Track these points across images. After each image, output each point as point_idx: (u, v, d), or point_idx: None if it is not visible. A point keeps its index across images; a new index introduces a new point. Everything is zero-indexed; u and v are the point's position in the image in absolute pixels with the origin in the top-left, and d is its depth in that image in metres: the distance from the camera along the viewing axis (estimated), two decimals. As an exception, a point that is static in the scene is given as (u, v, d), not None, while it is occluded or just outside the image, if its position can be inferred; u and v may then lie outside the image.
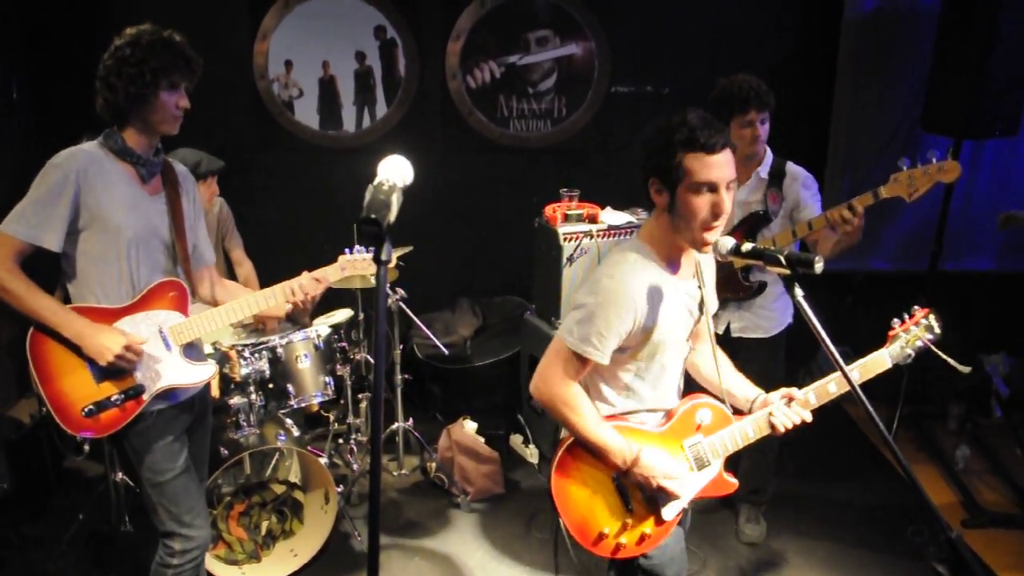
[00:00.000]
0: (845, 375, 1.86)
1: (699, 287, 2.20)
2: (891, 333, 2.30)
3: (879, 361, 2.27)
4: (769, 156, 3.37)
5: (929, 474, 4.23)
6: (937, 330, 2.30)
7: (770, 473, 3.74)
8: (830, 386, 2.24)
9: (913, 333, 2.29)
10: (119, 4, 4.46)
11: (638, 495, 2.17)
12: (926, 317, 2.31)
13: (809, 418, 2.22)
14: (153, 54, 2.29)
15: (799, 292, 1.90)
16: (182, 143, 3.64)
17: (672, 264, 2.13)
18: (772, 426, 2.21)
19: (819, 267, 1.86)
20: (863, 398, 1.84)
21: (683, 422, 2.22)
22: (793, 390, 2.25)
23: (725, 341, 3.51)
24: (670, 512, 2.19)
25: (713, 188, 1.96)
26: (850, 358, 2.08)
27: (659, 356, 2.14)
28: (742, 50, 4.79)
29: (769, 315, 3.45)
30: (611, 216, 4.16)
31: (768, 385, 3.55)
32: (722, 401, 2.28)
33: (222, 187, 3.91)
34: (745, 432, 2.23)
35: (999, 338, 4.98)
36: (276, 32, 4.86)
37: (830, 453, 4.54)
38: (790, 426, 2.21)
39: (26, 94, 4.53)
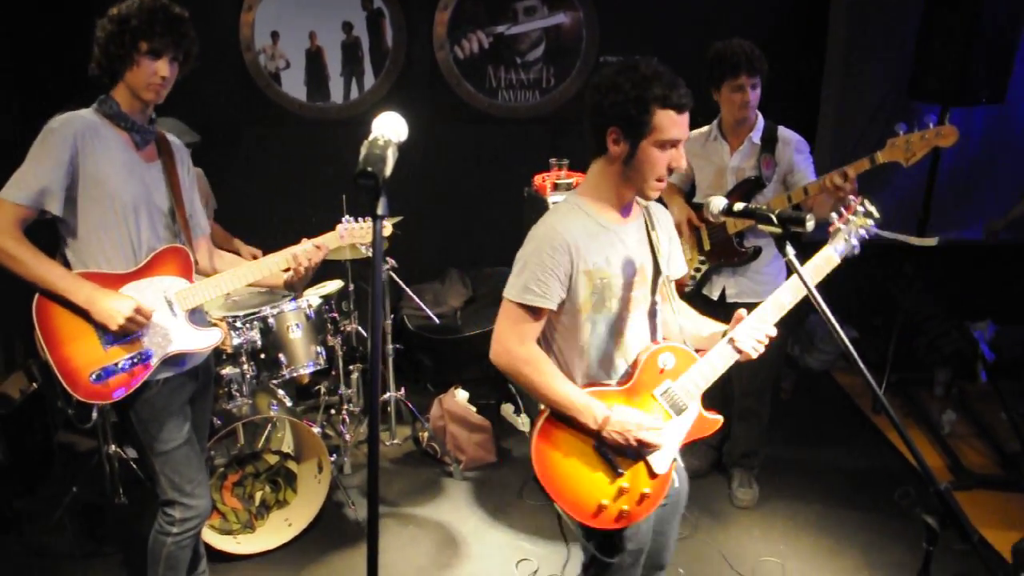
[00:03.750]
0: (837, 333, 1.87)
1: (648, 229, 2.19)
2: (831, 229, 2.24)
3: (828, 258, 2.21)
4: (761, 121, 3.38)
5: (916, 438, 4.27)
6: (877, 215, 2.25)
7: (762, 437, 3.78)
8: (783, 296, 2.17)
9: (853, 222, 2.24)
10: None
11: (623, 457, 2.13)
12: (862, 204, 2.26)
13: (773, 332, 2.16)
14: (137, 15, 2.28)
15: (791, 250, 1.91)
16: (171, 114, 3.62)
17: (614, 211, 2.13)
18: (739, 351, 2.15)
19: (810, 225, 1.88)
20: (849, 348, 1.86)
21: (647, 372, 2.16)
22: (743, 311, 2.20)
23: (720, 306, 3.53)
24: (661, 465, 2.16)
25: (675, 145, 2.02)
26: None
27: (609, 302, 2.11)
28: (732, 18, 4.78)
29: (764, 279, 3.47)
30: (601, 185, 4.15)
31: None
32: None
33: (209, 158, 3.88)
34: (713, 365, 2.17)
35: (985, 305, 5.03)
36: (262, 3, 4.80)
37: (820, 420, 4.61)
38: (756, 344, 2.14)
39: (7, 66, 4.46)
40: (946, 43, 4.13)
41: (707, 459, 3.98)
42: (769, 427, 3.83)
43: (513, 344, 2.09)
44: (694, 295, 3.60)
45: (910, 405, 4.64)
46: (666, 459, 2.17)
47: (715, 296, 3.52)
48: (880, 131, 3.08)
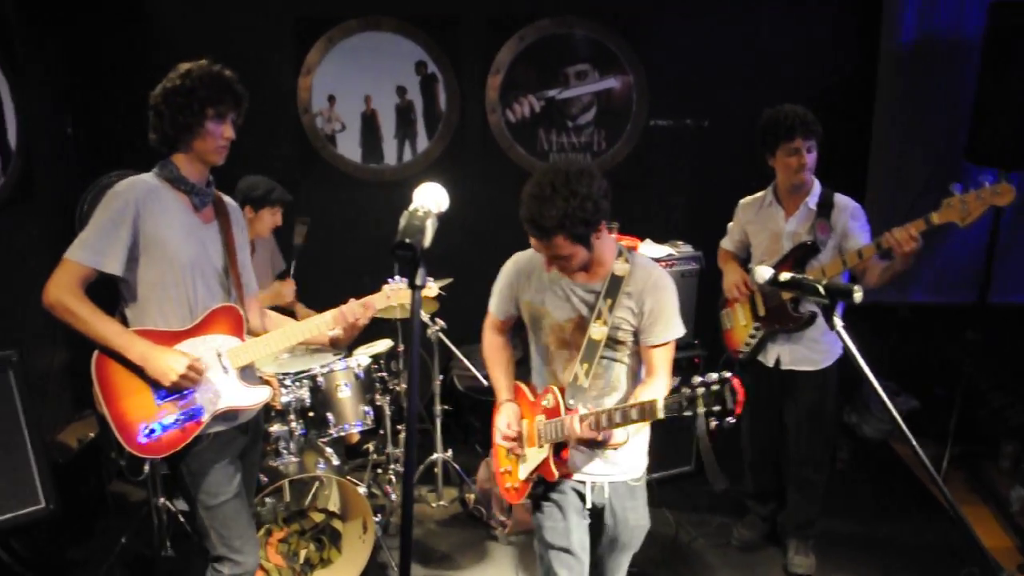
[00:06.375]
0: (885, 400, 1.82)
1: (601, 296, 2.44)
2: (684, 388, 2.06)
3: (654, 408, 2.13)
4: (817, 187, 3.35)
5: (982, 516, 4.09)
6: (730, 405, 1.97)
7: (817, 507, 3.65)
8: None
9: (698, 400, 2.01)
10: (168, 42, 4.61)
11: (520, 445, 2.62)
12: (720, 384, 1.98)
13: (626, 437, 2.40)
14: (201, 85, 2.39)
15: (839, 322, 1.87)
16: (229, 175, 3.74)
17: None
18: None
19: (858, 296, 1.84)
20: (911, 438, 1.80)
21: (540, 399, 2.58)
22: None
23: (775, 375, 3.46)
24: (522, 471, 2.62)
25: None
26: (896, 394, 1.98)
27: (540, 332, 2.59)
28: (781, 82, 4.77)
29: (820, 347, 3.39)
30: (650, 248, 4.15)
31: (819, 418, 3.49)
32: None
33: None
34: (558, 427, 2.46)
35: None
36: (320, 67, 4.97)
37: (878, 491, 4.43)
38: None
39: (80, 129, 4.68)
40: (1004, 104, 4.05)
41: (759, 531, 3.85)
42: (825, 498, 3.70)
43: (486, 336, 2.83)
44: (749, 361, 3.53)
45: (976, 479, 4.43)
46: (525, 470, 2.60)
47: (770, 363, 3.46)
48: (935, 196, 3.01)
